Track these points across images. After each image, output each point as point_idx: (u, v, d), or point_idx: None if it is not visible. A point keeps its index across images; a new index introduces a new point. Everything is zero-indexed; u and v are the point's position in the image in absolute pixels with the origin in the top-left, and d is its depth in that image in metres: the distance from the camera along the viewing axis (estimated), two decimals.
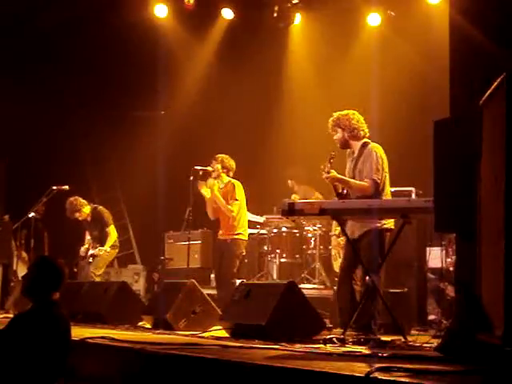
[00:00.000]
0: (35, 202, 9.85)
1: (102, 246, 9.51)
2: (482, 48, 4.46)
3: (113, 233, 9.59)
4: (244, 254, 8.27)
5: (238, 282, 7.80)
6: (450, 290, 7.12)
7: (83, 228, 9.93)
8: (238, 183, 8.24)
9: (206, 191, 8.20)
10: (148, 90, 11.58)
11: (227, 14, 11.10)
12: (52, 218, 10.73)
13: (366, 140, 6.24)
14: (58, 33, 11.29)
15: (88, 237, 9.78)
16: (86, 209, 9.67)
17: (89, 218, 9.69)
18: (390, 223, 6.07)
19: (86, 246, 9.71)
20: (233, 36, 11.34)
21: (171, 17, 11.23)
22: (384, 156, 6.13)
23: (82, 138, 12.94)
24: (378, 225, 6.00)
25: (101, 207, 9.77)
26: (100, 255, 9.47)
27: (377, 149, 6.13)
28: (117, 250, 9.85)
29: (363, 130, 6.23)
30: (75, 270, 10.09)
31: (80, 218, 9.67)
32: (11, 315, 7.91)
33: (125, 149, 11.94)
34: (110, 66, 11.82)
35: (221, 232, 8.31)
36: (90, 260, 9.53)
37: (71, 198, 9.60)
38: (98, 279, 9.40)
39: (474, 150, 3.97)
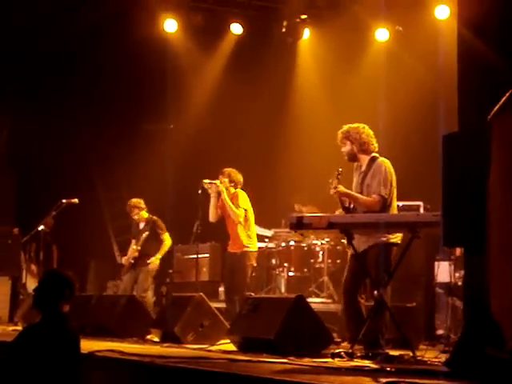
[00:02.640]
0: (44, 215, 9.88)
1: (149, 254, 9.53)
2: (491, 63, 4.49)
3: (167, 240, 9.64)
4: (255, 265, 8.25)
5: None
6: (459, 305, 7.10)
7: (131, 235, 9.96)
8: (242, 192, 8.24)
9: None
10: (157, 104, 11.63)
11: (236, 28, 11.16)
12: (62, 232, 10.76)
13: (374, 154, 6.23)
14: (69, 47, 11.39)
15: (133, 246, 9.76)
16: (144, 213, 9.80)
17: (142, 224, 9.76)
18: (396, 238, 6.04)
19: (130, 253, 9.70)
20: (241, 51, 11.40)
21: (181, 32, 11.29)
22: (393, 171, 6.12)
23: (91, 151, 13.00)
24: (384, 239, 5.98)
25: (157, 217, 9.80)
26: (152, 265, 9.48)
27: (386, 164, 6.12)
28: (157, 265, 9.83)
29: (373, 145, 6.22)
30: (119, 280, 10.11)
31: (136, 217, 9.79)
32: (20, 328, 7.93)
33: (134, 162, 11.98)
34: (119, 80, 11.89)
35: (230, 244, 8.31)
36: (132, 261, 9.55)
37: (137, 198, 9.85)
38: (148, 294, 9.44)
39: (482, 164, 3.97)
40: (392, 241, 6.01)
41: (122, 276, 9.89)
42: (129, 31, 10.78)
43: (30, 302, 8.45)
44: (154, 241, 9.60)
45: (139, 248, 9.51)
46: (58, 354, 4.22)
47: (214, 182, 8.25)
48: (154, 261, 9.52)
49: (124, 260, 9.81)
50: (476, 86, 4.65)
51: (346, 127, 6.28)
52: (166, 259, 10.27)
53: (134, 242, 9.82)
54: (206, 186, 8.21)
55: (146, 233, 9.55)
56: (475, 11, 4.79)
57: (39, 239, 10.00)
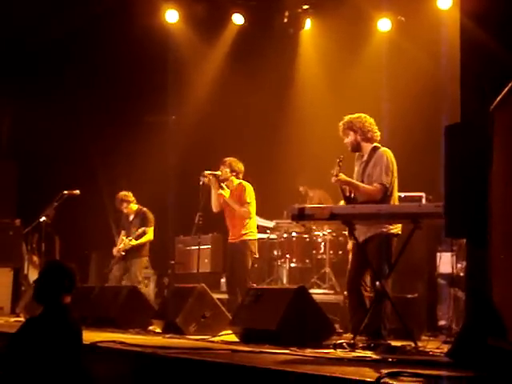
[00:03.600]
0: (46, 206, 9.88)
1: (140, 246, 9.57)
2: (493, 53, 4.46)
3: (150, 234, 9.63)
4: (256, 255, 8.25)
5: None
6: (461, 296, 7.10)
7: (121, 227, 9.99)
8: (248, 185, 8.24)
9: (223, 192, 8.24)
10: (158, 95, 11.61)
11: (238, 19, 11.12)
12: (63, 223, 10.76)
13: (376, 144, 6.23)
14: (70, 38, 11.36)
15: (123, 237, 9.78)
16: (134, 206, 9.82)
17: (132, 216, 9.79)
18: (397, 228, 6.04)
19: (120, 246, 9.73)
20: (243, 41, 11.36)
21: (182, 22, 11.26)
22: (394, 161, 6.12)
23: (93, 142, 12.98)
24: (384, 230, 5.98)
25: (147, 209, 9.82)
26: (128, 245, 9.50)
27: (387, 153, 6.12)
28: (147, 257, 9.85)
29: (375, 133, 6.23)
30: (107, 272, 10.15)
31: (125, 211, 9.83)
32: (22, 319, 7.94)
33: (135, 153, 11.97)
34: (120, 71, 11.86)
35: (230, 235, 8.31)
36: (123, 253, 9.59)
37: (125, 191, 9.86)
38: (142, 286, 9.48)
39: (484, 154, 3.96)
40: (392, 231, 6.01)
41: (112, 266, 9.90)
42: (130, 22, 10.75)
43: (31, 294, 8.45)
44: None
45: (133, 241, 9.50)
46: (60, 346, 4.23)
47: (215, 172, 8.25)
48: (127, 242, 9.53)
49: (115, 251, 9.81)
50: (478, 77, 4.62)
51: (347, 118, 6.28)
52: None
53: (123, 233, 9.85)
54: (205, 180, 8.21)
55: (141, 229, 9.55)
56: (478, 1, 4.77)
57: (41, 230, 10.02)
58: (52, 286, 4.36)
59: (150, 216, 9.70)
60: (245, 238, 8.08)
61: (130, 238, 9.55)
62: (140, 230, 9.52)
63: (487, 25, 4.57)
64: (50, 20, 11.08)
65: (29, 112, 11.58)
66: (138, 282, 9.43)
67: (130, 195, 9.84)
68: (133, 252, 9.58)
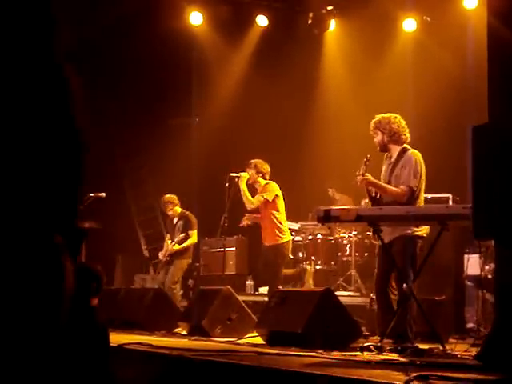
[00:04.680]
0: None
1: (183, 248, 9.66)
2: None
3: (193, 237, 9.71)
4: (291, 257, 8.20)
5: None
6: (489, 298, 7.02)
7: (166, 230, 10.09)
8: (271, 183, 8.17)
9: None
10: (183, 97, 11.64)
11: (262, 21, 11.13)
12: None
13: (405, 146, 6.17)
14: (95, 41, 11.41)
15: (168, 241, 9.86)
16: (178, 208, 9.91)
17: (176, 219, 9.86)
18: (422, 231, 5.97)
19: (164, 251, 9.81)
20: (267, 43, 11.36)
21: (206, 24, 11.29)
22: (423, 163, 6.06)
23: (118, 145, 13.06)
24: (409, 232, 5.93)
25: (189, 212, 9.90)
26: (172, 250, 9.58)
27: (416, 155, 6.06)
28: (189, 260, 9.92)
29: (404, 135, 6.16)
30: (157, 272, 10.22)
31: (170, 213, 9.92)
32: None
33: (160, 156, 12.01)
34: (145, 73, 11.91)
35: (263, 237, 8.27)
36: (168, 258, 9.70)
37: (170, 194, 9.97)
38: (177, 286, 9.56)
39: None
40: (417, 233, 5.95)
41: (159, 270, 10.00)
42: (155, 24, 10.79)
43: None
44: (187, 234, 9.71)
45: (176, 246, 9.58)
46: (88, 348, 4.24)
47: (241, 174, 8.22)
48: (172, 246, 9.59)
49: (161, 255, 9.93)
50: (506, 77, 4.58)
51: (378, 117, 6.23)
52: (193, 253, 10.30)
53: (168, 236, 9.93)
54: (231, 182, 8.19)
55: (182, 235, 9.64)
56: (505, 0, 4.72)
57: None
58: (79, 289, 4.37)
59: (193, 219, 9.79)
60: (277, 242, 8.03)
61: (173, 242, 9.63)
62: (182, 236, 9.63)
63: None
64: (74, 23, 11.11)
65: None
66: (174, 283, 9.52)
67: (174, 198, 9.94)
68: (177, 254, 9.69)
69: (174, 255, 9.69)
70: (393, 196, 6.01)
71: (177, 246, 9.59)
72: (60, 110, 2.04)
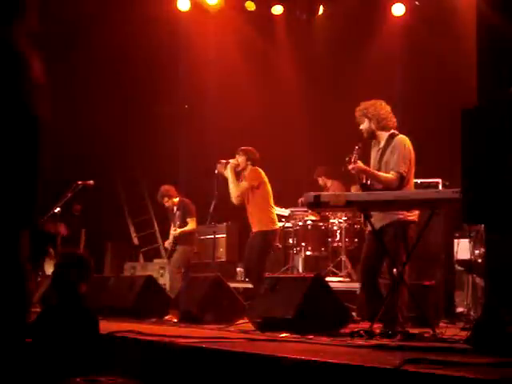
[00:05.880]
0: (60, 196, 9.88)
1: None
2: (510, 35, 4.40)
3: (191, 223, 9.66)
4: (279, 246, 8.17)
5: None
6: (479, 282, 7.05)
7: (169, 220, 10.05)
8: (257, 169, 8.10)
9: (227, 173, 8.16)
10: (171, 84, 11.57)
11: (250, 6, 11.08)
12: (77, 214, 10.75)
13: (393, 131, 6.15)
14: (79, 27, 11.30)
15: (172, 231, 9.82)
16: (175, 199, 9.85)
17: (174, 208, 9.82)
18: (414, 215, 5.97)
19: (170, 240, 9.79)
20: (253, 28, 11.31)
21: (193, 10, 11.22)
22: (412, 148, 6.04)
23: (106, 133, 12.97)
24: (401, 217, 5.91)
25: (188, 200, 9.86)
26: (175, 235, 9.58)
27: (405, 141, 6.04)
28: (193, 248, 9.86)
29: (391, 121, 6.14)
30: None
31: (166, 204, 9.86)
32: (38, 309, 7.96)
33: (149, 143, 11.97)
34: (132, 61, 11.82)
35: (250, 224, 8.24)
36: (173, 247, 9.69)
37: (167, 185, 9.91)
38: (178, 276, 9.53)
39: (503, 138, 3.90)
40: (409, 218, 5.95)
41: (168, 257, 10.01)
42: (141, 10, 10.71)
43: (47, 284, 8.49)
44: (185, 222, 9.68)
45: (177, 230, 9.55)
46: (77, 335, 4.23)
47: (231, 160, 8.19)
48: (172, 233, 9.58)
49: (167, 244, 9.89)
50: (495, 60, 4.57)
51: (362, 104, 6.20)
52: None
53: (172, 225, 9.89)
54: (220, 170, 8.15)
55: (178, 212, 9.64)
56: None
57: (56, 222, 10.01)
58: (68, 276, 4.37)
59: (191, 206, 9.74)
60: (261, 229, 8.00)
61: (174, 228, 9.62)
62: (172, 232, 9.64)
63: (504, 8, 4.50)
64: (59, 8, 10.97)
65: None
66: (177, 267, 9.50)
67: (171, 189, 9.88)
68: (181, 240, 9.62)
69: (178, 241, 9.63)
70: (383, 182, 5.99)
71: (178, 230, 9.56)
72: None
